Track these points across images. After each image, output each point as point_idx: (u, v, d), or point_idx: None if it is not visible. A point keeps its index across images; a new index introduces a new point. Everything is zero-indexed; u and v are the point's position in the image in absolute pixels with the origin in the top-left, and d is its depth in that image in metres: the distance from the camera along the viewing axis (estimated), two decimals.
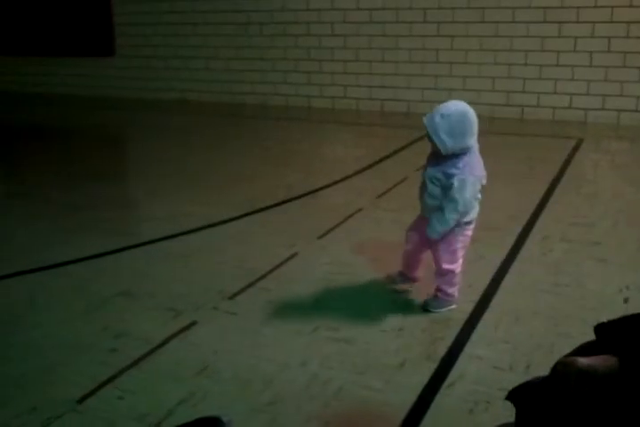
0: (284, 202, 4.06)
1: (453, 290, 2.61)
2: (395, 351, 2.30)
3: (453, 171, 2.37)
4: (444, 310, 2.60)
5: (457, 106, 2.36)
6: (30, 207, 4.11)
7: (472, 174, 2.38)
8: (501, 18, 6.55)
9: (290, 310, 2.63)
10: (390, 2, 7.03)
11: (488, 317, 2.57)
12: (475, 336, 2.41)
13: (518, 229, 3.50)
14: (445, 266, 2.56)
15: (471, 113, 2.36)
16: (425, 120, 2.37)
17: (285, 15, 7.60)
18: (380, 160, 5.14)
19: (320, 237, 3.45)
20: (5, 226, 3.76)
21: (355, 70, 7.41)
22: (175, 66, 8.40)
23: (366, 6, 7.17)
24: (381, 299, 2.73)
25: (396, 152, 5.40)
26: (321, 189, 4.37)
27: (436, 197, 2.44)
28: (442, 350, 2.31)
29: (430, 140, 2.37)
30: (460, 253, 2.58)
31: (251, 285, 2.86)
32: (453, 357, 2.27)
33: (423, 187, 2.51)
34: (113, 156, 6.03)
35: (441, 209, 2.42)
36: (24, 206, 4.15)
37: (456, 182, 2.36)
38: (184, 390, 2.06)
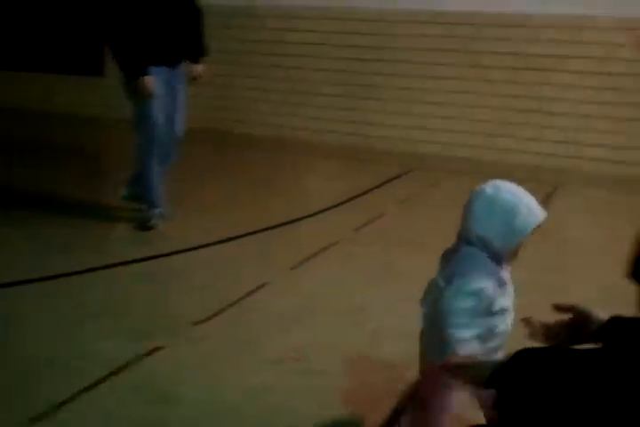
0: (261, 230, 4.05)
1: None
2: (359, 386, 2.28)
3: None
4: None
5: None
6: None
7: None
8: None
9: (256, 339, 2.60)
10: None
11: None
12: None
13: None
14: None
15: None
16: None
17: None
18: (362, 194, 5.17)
19: (293, 268, 3.44)
20: None
21: (342, 106, 7.44)
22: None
23: None
24: (351, 332, 2.71)
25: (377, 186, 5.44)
26: (300, 219, 4.37)
27: None
28: (407, 386, 2.29)
29: None
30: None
31: (218, 313, 2.83)
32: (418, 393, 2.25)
33: None
34: (94, 173, 6.00)
35: None
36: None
37: None
38: (139, 415, 2.02)
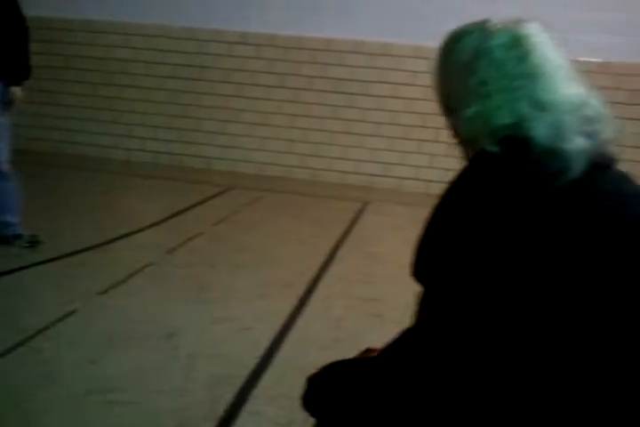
0: (68, 254, 3.82)
1: None
2: (172, 412, 2.21)
3: None
4: None
5: None
6: None
7: None
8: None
9: (62, 371, 2.43)
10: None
11: (271, 372, 2.58)
12: (256, 393, 2.40)
13: (305, 286, 3.62)
14: None
15: None
16: None
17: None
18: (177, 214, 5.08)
19: (102, 293, 3.28)
20: None
21: (156, 124, 7.30)
22: None
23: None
24: (164, 357, 2.63)
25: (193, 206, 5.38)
26: (111, 241, 4.18)
27: None
28: (221, 408, 2.27)
29: None
30: None
31: (19, 345, 2.61)
32: (233, 415, 2.24)
33: None
34: None
35: None
36: None
37: None
38: None
